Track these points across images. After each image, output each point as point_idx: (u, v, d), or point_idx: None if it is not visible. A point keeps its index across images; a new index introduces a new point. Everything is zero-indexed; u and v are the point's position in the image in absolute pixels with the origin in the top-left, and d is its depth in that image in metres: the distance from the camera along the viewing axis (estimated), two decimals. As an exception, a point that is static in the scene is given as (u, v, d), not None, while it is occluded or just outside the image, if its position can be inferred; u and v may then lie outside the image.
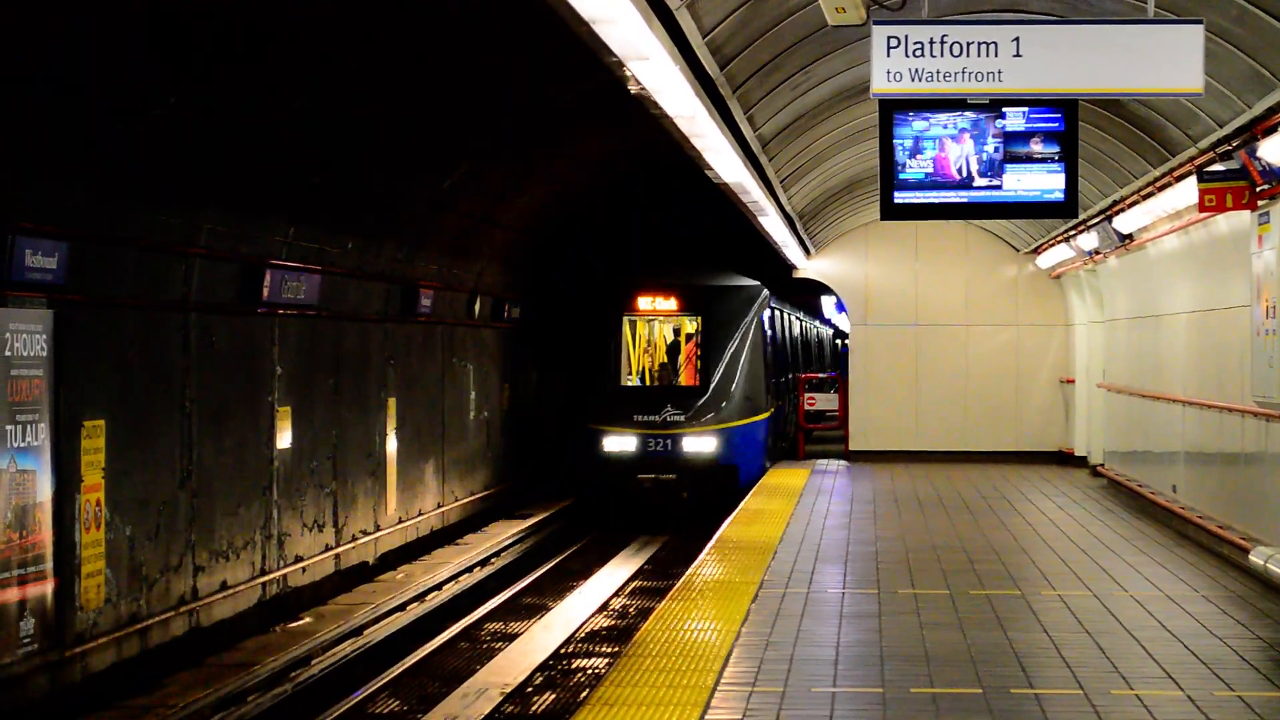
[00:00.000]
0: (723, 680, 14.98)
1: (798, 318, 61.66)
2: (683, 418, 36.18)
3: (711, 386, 37.10)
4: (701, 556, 23.68)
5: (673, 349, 42.85)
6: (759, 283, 39.98)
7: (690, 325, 41.91)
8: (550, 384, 45.08)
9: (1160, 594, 19.61)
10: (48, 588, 16.98)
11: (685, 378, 41.24)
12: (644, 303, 39.00)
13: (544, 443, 44.29)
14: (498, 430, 40.35)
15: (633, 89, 17.59)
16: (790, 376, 52.85)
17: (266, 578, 23.78)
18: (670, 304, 39.07)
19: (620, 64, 15.83)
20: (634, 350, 41.31)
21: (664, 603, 20.09)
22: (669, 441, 36.66)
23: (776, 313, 46.04)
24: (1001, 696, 14.01)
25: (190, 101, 19.72)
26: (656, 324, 43.01)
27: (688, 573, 21.94)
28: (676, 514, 37.02)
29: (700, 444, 36.43)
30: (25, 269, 16.30)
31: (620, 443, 36.68)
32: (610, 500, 37.15)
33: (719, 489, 36.03)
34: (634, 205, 43.53)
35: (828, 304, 61.39)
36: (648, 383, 41.05)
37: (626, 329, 39.94)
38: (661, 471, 35.93)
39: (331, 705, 20.24)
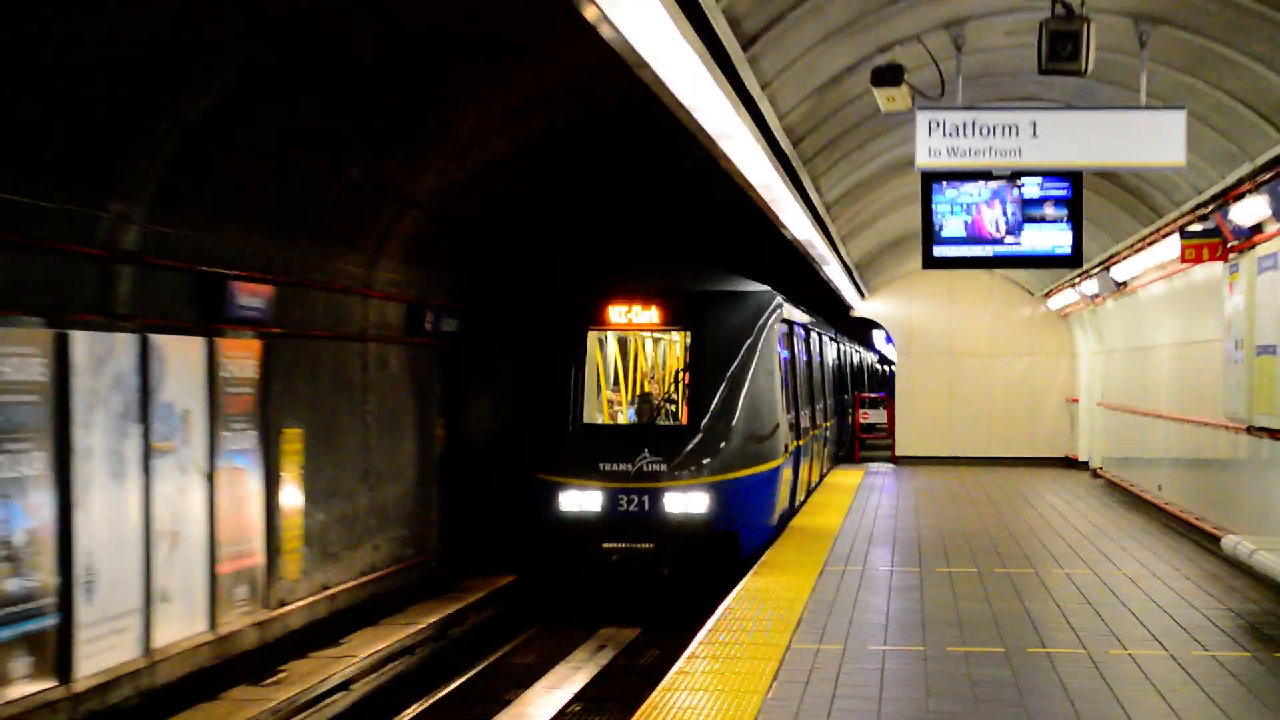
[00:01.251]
0: (794, 640, 14.92)
1: (847, 344, 52.85)
2: (664, 466, 22.43)
3: (704, 424, 23.13)
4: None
5: (652, 375, 28.68)
6: (768, 288, 25.61)
7: (677, 343, 27.47)
8: (503, 419, 29.63)
9: (1148, 572, 19.96)
10: (257, 561, 17.63)
11: (669, 413, 26.57)
12: (616, 313, 24.57)
13: (493, 495, 28.62)
14: (415, 481, 25.15)
15: (723, 164, 17.44)
16: (847, 396, 49.24)
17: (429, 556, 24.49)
18: (650, 315, 24.70)
19: (713, 142, 15.90)
20: (602, 376, 26.71)
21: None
22: (645, 498, 22.65)
23: (801, 330, 31.61)
24: (1020, 655, 14.22)
25: (370, 173, 20.03)
26: (632, 341, 28.22)
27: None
28: (657, 594, 23.11)
29: (687, 502, 22.62)
30: (237, 307, 16.97)
31: (580, 499, 22.91)
32: (567, 576, 23.25)
33: (711, 562, 22.66)
34: (602, 182, 27.56)
35: (879, 336, 59.08)
36: (619, 420, 26.24)
37: (593, 348, 25.51)
38: (635, 539, 22.38)
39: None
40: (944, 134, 14.92)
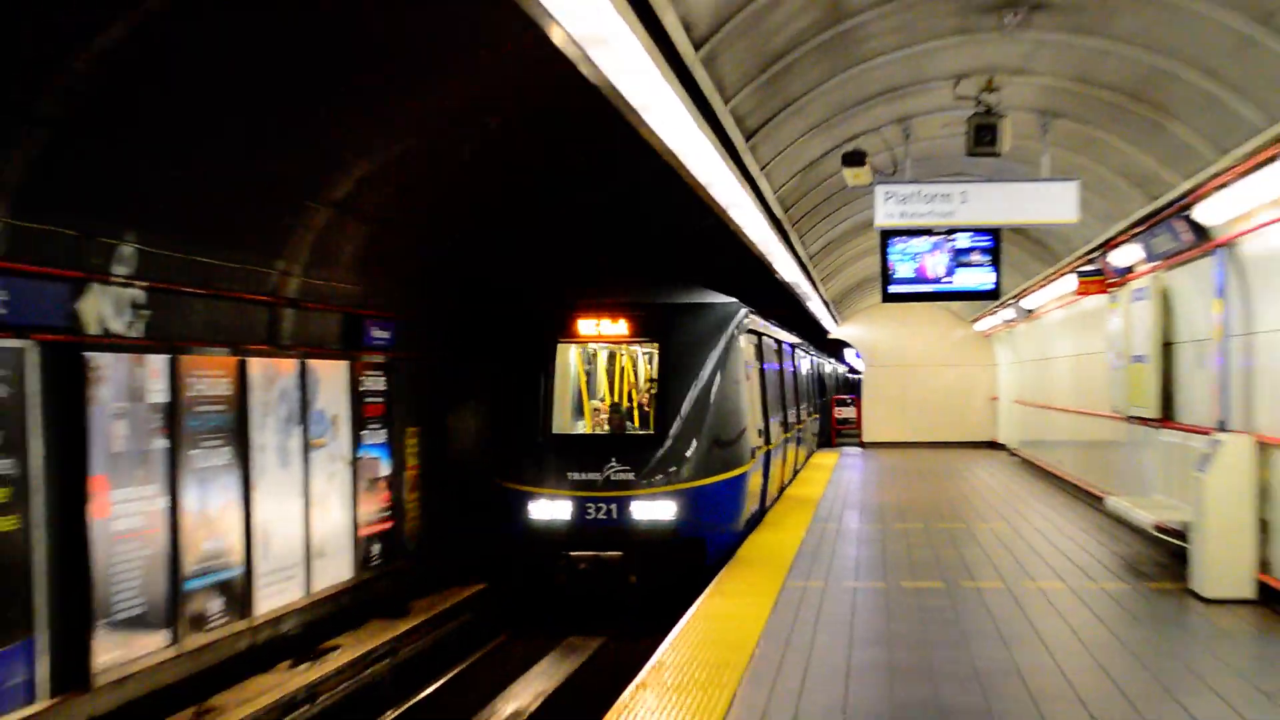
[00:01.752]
0: (786, 580, 15.03)
1: (825, 358, 50.16)
2: (632, 475, 18.34)
3: (671, 433, 18.79)
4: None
5: (619, 385, 23.31)
6: (735, 300, 20.80)
7: (645, 354, 22.59)
8: (464, 430, 23.23)
9: (1051, 525, 19.92)
10: (389, 527, 17.77)
11: (636, 422, 21.75)
12: (585, 325, 20.03)
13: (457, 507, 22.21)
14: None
15: (731, 226, 17.38)
16: (825, 398, 47.10)
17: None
18: (619, 326, 20.07)
19: (724, 209, 15.84)
20: (580, 386, 22.19)
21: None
22: (613, 507, 18.53)
23: (773, 341, 26.43)
24: (956, 588, 14.37)
25: (479, 233, 19.40)
26: (600, 353, 22.91)
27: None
28: (626, 601, 18.80)
29: (655, 509, 18.51)
30: (371, 338, 17.36)
31: (548, 508, 18.70)
32: (535, 586, 19.07)
33: (679, 568, 18.52)
34: (574, 191, 21.58)
35: (850, 353, 57.70)
36: (587, 429, 21.41)
37: (562, 359, 20.78)
38: (603, 547, 18.40)
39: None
40: (896, 202, 14.88)
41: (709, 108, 11.59)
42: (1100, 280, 19.92)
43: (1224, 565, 13.33)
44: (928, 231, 16.51)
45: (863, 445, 40.90)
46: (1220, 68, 11.99)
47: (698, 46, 10.33)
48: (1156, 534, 15.62)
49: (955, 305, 38.38)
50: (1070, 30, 12.70)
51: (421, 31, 12.31)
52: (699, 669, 10.67)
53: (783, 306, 31.77)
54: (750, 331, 20.86)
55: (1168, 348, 17.36)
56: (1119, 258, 18.59)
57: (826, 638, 11.79)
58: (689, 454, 17.75)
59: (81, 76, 10.13)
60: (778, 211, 18.27)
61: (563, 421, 19.33)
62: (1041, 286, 25.88)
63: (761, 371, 22.18)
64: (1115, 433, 20.70)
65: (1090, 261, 20.40)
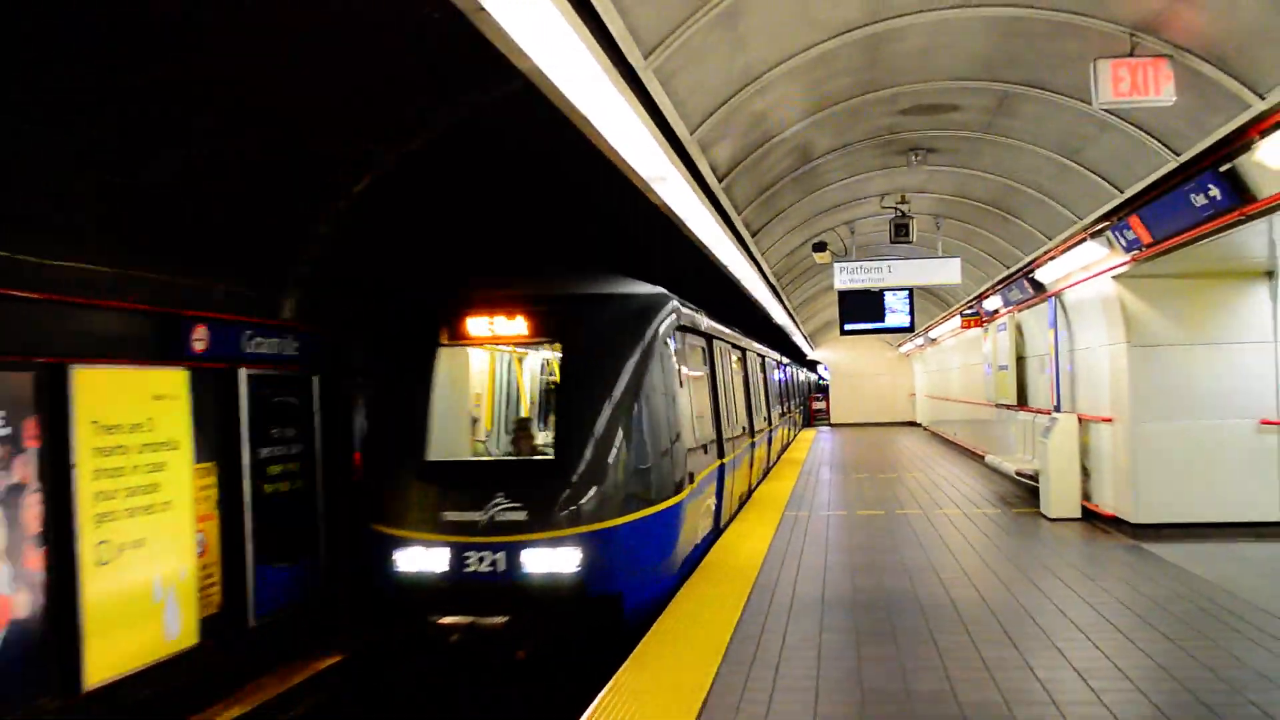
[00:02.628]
0: (784, 511, 14.78)
1: (805, 370, 43.49)
2: (524, 514, 7.75)
3: (578, 458, 8.11)
4: None
5: (515, 399, 12.15)
6: (661, 290, 9.89)
7: (548, 359, 12.63)
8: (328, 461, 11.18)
9: (953, 473, 19.57)
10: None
11: (534, 446, 10.16)
12: (474, 325, 8.95)
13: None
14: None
15: (743, 290, 16.92)
16: (804, 396, 41.95)
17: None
18: (515, 325, 8.89)
19: (738, 280, 15.59)
20: (454, 402, 9.67)
21: None
22: (499, 556, 7.76)
23: (726, 345, 14.73)
24: (892, 514, 14.10)
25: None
26: (494, 358, 11.53)
27: None
28: (514, 684, 8.19)
29: (554, 559, 7.86)
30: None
31: (417, 559, 8.04)
32: (401, 658, 8.37)
33: (587, 634, 8.06)
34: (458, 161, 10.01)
35: (821, 368, 56.34)
36: (473, 453, 9.96)
37: (444, 367, 9.20)
38: (483, 610, 7.81)
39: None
40: (848, 273, 14.64)
41: (728, 218, 11.58)
42: (977, 318, 19.82)
43: (1061, 496, 13.27)
44: (868, 291, 16.36)
45: (831, 425, 40.71)
46: (1046, 185, 11.94)
47: (720, 179, 10.30)
48: (1017, 478, 15.60)
49: (887, 337, 37.98)
50: (951, 165, 12.63)
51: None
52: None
53: (777, 339, 30.95)
54: (690, 330, 11.47)
55: (1020, 360, 17.29)
56: (988, 304, 18.58)
57: (810, 546, 11.64)
58: (602, 485, 8.62)
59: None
60: (773, 280, 18.11)
61: (444, 445, 9.52)
62: (940, 324, 25.75)
63: (714, 378, 13.06)
64: (989, 414, 20.55)
65: (970, 307, 20.23)
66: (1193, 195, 8.58)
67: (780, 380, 28.17)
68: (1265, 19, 6.45)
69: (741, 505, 15.13)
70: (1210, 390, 11.67)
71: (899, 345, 38.43)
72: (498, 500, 8.34)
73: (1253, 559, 10.51)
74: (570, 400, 9.05)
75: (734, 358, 15.47)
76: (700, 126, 8.40)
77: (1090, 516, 13.02)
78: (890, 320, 16.98)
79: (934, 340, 28.98)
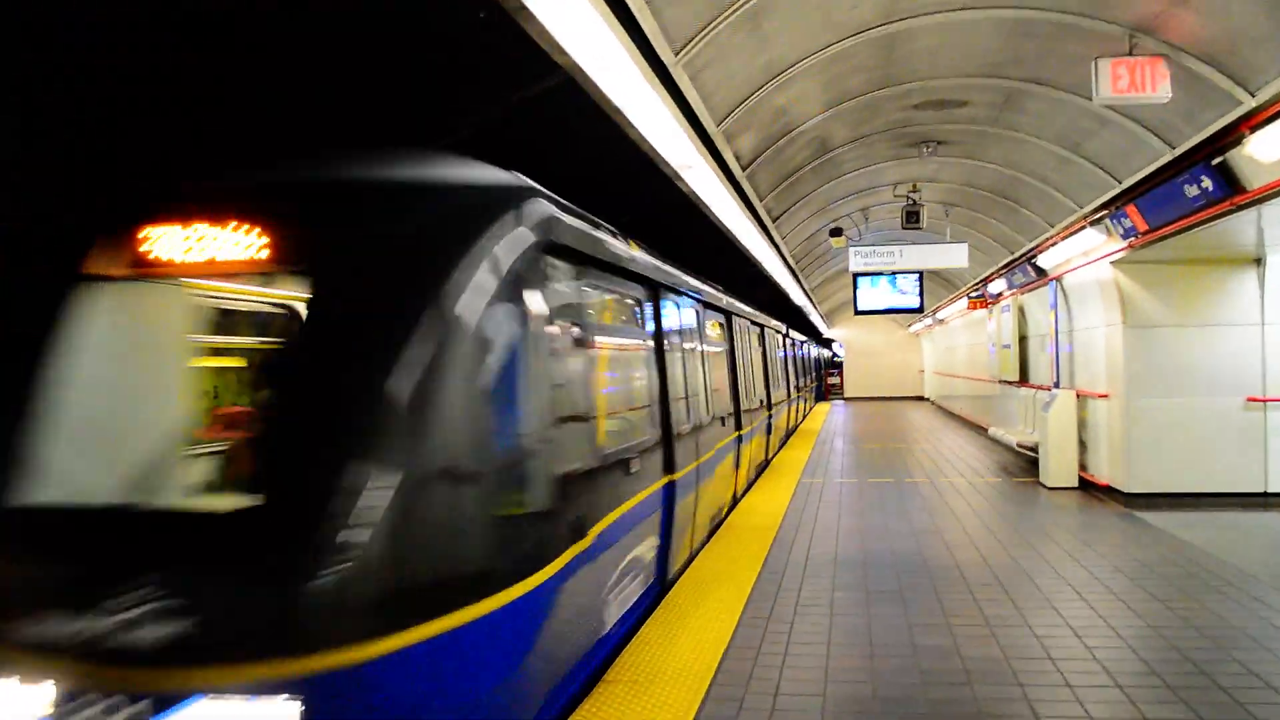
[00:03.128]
0: (800, 478, 14.72)
1: (821, 348, 40.62)
2: (192, 623, 1.70)
3: (320, 506, 1.84)
4: None
5: (207, 389, 4.12)
6: (513, 176, 3.04)
7: (278, 309, 3.92)
8: None
9: (958, 445, 19.21)
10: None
11: (227, 475, 3.03)
12: (155, 243, 2.18)
13: None
14: None
15: (764, 273, 16.77)
16: (821, 371, 39.52)
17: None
18: (231, 244, 2.13)
19: (760, 264, 15.61)
20: (99, 387, 2.28)
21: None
22: None
23: (690, 300, 7.34)
24: (900, 482, 13.89)
25: None
26: (180, 308, 2.82)
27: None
28: None
29: None
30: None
31: None
32: None
33: None
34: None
35: (836, 346, 56.12)
36: (122, 499, 2.27)
37: (82, 323, 2.22)
38: None
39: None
40: (862, 257, 14.88)
41: (751, 204, 11.56)
42: (982, 300, 19.66)
43: (1059, 467, 13.15)
44: (880, 273, 16.44)
45: (845, 400, 40.60)
46: (1049, 176, 11.88)
47: (744, 168, 10.32)
48: (1018, 449, 15.37)
49: (897, 316, 37.96)
50: (961, 156, 12.59)
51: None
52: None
53: (797, 319, 30.70)
54: (587, 261, 4.87)
55: (1023, 340, 17.15)
56: (993, 287, 18.41)
57: (824, 511, 11.58)
58: (368, 558, 2.42)
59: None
60: (793, 264, 18.17)
61: (64, 473, 2.90)
62: (948, 305, 25.56)
63: (732, 354, 10.41)
64: (993, 390, 20.28)
65: (976, 289, 20.12)
66: (1186, 186, 8.52)
67: (798, 356, 28.12)
68: (1256, 21, 6.40)
69: (759, 472, 15.03)
70: (1200, 369, 11.61)
71: (909, 325, 38.23)
72: (137, 590, 2.97)
73: (1238, 526, 10.48)
74: (311, 388, 3.39)
75: (754, 335, 14.36)
76: (726, 118, 8.43)
77: (1086, 486, 12.92)
78: (901, 301, 16.96)
79: (942, 320, 28.71)
